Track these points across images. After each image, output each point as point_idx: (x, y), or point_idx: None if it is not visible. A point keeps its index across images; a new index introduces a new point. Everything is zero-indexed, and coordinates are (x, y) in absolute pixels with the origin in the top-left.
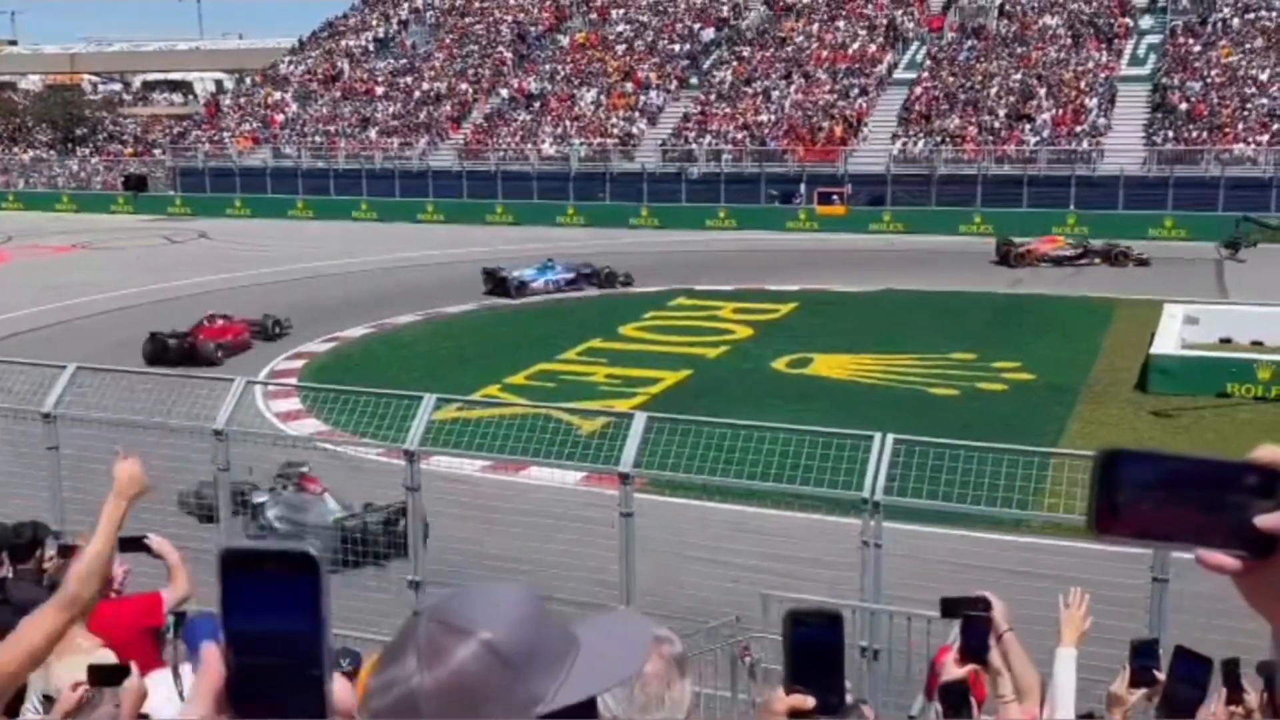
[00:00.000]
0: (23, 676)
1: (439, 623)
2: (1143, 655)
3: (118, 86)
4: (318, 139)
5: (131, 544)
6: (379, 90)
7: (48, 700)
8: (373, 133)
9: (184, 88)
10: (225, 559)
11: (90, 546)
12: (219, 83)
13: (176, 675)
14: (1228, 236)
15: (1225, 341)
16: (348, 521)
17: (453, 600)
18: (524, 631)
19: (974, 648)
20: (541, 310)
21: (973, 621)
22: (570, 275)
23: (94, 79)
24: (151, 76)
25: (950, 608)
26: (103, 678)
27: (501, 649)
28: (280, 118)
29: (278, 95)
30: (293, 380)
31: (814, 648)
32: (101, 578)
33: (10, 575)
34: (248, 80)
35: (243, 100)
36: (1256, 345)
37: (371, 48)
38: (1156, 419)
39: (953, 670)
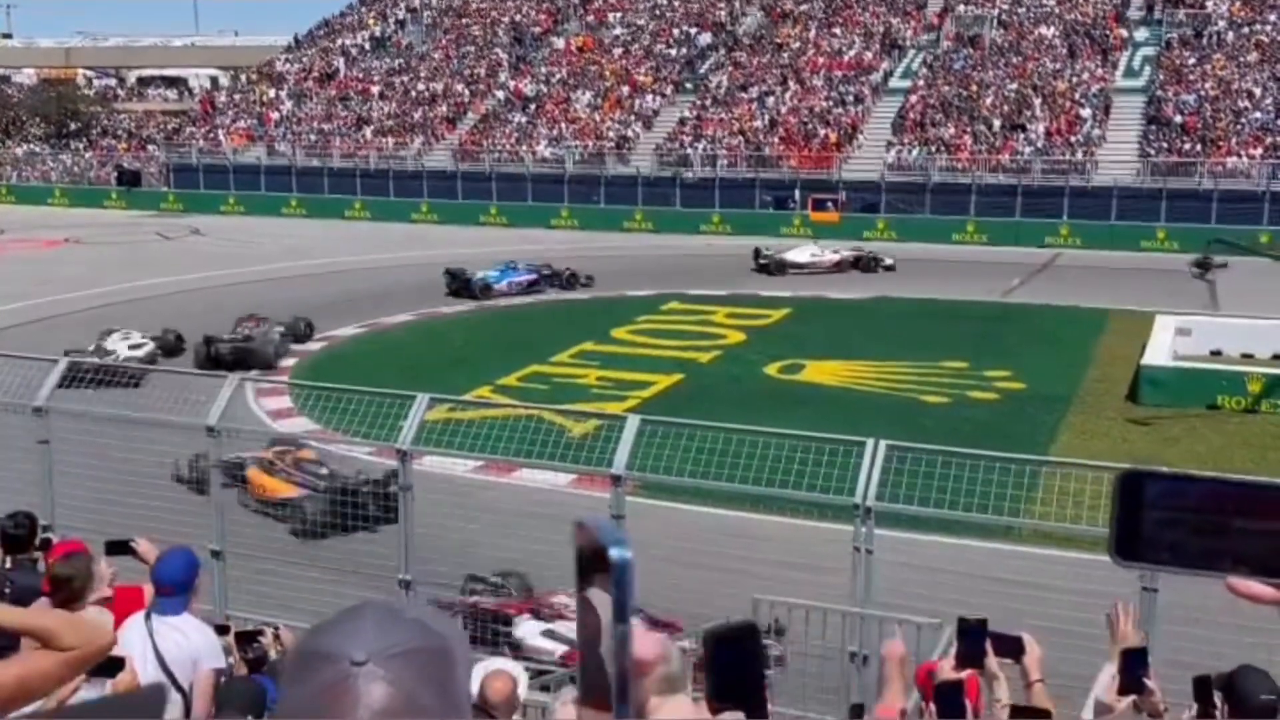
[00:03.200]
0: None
1: (349, 660)
2: (1132, 664)
3: (112, 81)
4: (312, 137)
5: (119, 547)
6: (374, 90)
7: None
8: (368, 132)
9: (179, 84)
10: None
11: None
12: (214, 79)
13: (149, 618)
14: (1197, 256)
15: (1216, 354)
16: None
17: (339, 633)
18: (411, 637)
19: (971, 655)
20: (533, 312)
21: (971, 629)
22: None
23: (89, 74)
24: (146, 72)
25: (972, 635)
26: (99, 668)
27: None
28: (275, 115)
29: (273, 93)
30: (284, 378)
31: (736, 664)
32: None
33: (8, 565)
34: (243, 77)
35: (238, 97)
36: (1247, 358)
37: (368, 47)
38: (1147, 430)
39: (949, 676)
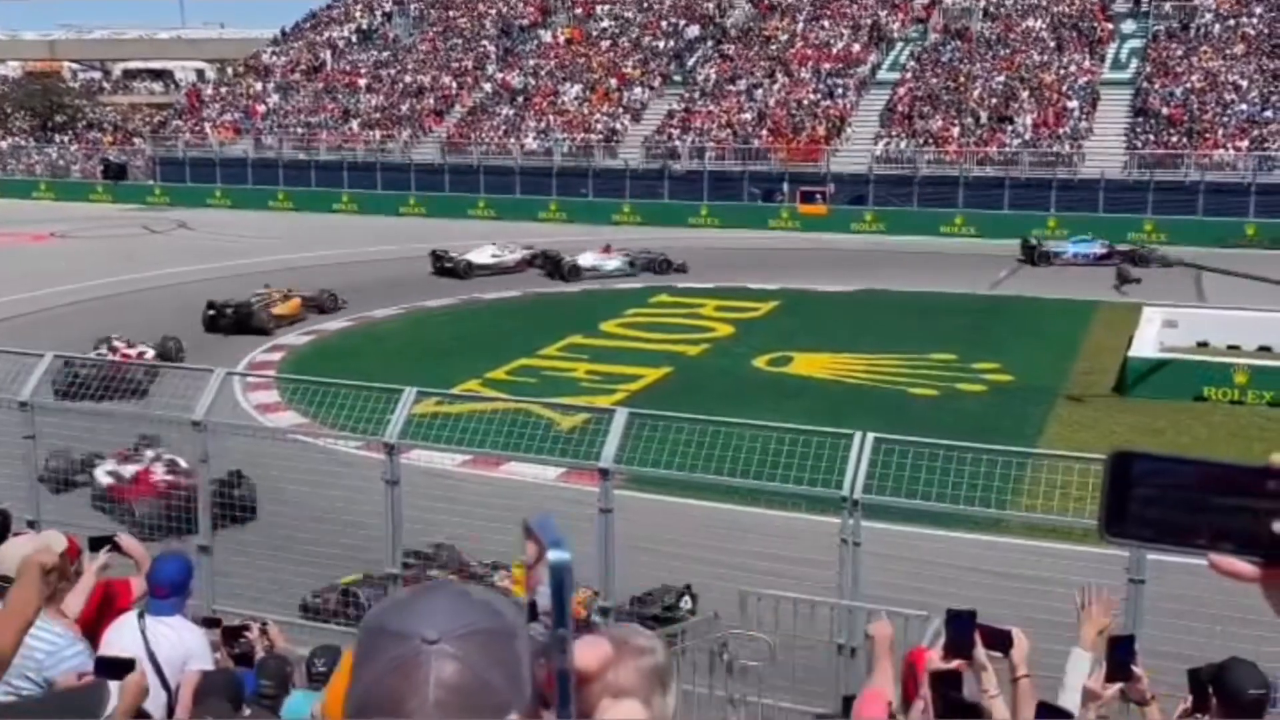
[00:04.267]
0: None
1: (420, 639)
2: (1119, 651)
3: (97, 74)
4: (299, 130)
5: (102, 543)
6: (361, 82)
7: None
8: (354, 125)
9: (165, 77)
10: None
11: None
12: (200, 72)
13: (141, 617)
14: (1118, 267)
15: (1203, 345)
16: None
17: (410, 612)
18: (483, 622)
19: (960, 644)
20: (522, 306)
21: (959, 619)
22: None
23: (74, 66)
24: (132, 65)
25: (961, 625)
26: (109, 670)
27: (474, 649)
28: (262, 108)
29: (259, 86)
30: (271, 372)
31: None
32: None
33: None
34: (229, 70)
35: (224, 90)
36: (1233, 349)
37: (354, 39)
38: (1133, 421)
39: (939, 666)
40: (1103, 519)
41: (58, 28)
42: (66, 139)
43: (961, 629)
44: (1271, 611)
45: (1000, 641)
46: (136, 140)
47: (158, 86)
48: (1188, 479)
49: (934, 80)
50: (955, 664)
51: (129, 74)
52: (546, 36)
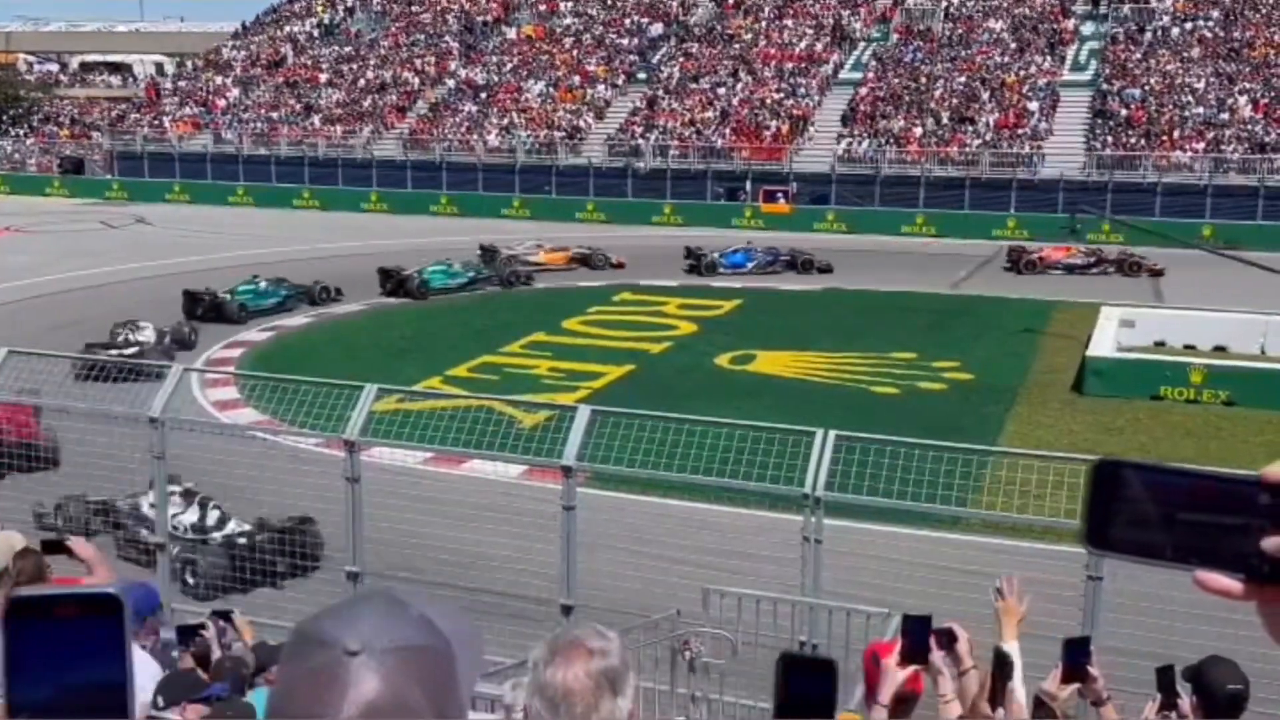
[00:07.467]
0: None
1: (343, 650)
2: (1075, 652)
3: (54, 67)
4: (259, 125)
5: (54, 547)
6: (323, 78)
7: None
8: (316, 120)
9: (123, 70)
10: (9, 608)
11: None
12: (159, 66)
13: None
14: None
15: (1159, 345)
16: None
17: (340, 620)
18: (418, 638)
19: (916, 649)
20: (484, 303)
21: (914, 623)
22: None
23: (29, 59)
24: (90, 58)
25: (916, 631)
26: None
27: (396, 664)
28: (222, 103)
29: (219, 80)
30: (230, 368)
31: (807, 697)
32: None
33: None
34: (189, 64)
35: (184, 84)
36: (1189, 349)
37: (316, 34)
38: (1091, 420)
39: (895, 672)
40: (1086, 530)
41: (13, 19)
42: (22, 132)
43: (918, 633)
44: (1229, 606)
45: (946, 640)
46: (94, 134)
47: (116, 80)
48: (1175, 491)
49: (896, 80)
50: (912, 669)
51: (86, 67)
52: (510, 33)
